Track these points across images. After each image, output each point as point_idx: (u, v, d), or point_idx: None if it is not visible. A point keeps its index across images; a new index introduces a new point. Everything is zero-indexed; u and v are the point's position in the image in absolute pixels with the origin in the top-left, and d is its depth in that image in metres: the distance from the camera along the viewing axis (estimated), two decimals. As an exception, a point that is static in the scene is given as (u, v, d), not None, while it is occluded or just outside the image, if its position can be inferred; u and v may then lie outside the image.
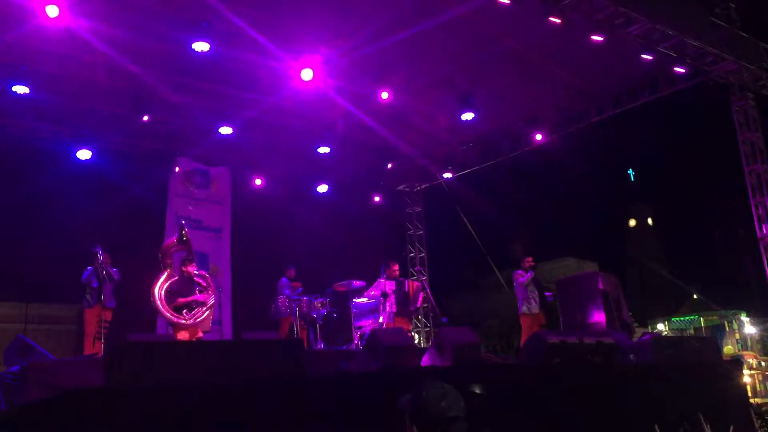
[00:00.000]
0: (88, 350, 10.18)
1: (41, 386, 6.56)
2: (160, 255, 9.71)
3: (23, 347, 8.00)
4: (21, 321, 11.13)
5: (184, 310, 9.23)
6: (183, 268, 9.55)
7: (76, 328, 11.52)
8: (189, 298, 9.29)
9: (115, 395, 4.70)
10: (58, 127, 12.25)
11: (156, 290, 9.19)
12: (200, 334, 9.38)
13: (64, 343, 11.49)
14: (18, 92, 10.70)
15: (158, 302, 9.14)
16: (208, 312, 9.41)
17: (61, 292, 11.64)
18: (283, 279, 12.44)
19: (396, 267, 11.97)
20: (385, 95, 12.00)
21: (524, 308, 11.80)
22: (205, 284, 9.59)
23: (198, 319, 9.25)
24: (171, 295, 9.23)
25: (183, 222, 10.21)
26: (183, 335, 9.07)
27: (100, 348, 9.60)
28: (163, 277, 9.37)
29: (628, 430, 6.79)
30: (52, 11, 8.79)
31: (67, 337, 11.64)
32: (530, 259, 12.12)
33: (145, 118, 11.59)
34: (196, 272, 9.61)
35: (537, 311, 11.76)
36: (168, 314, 9.15)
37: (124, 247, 11.26)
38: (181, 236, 9.69)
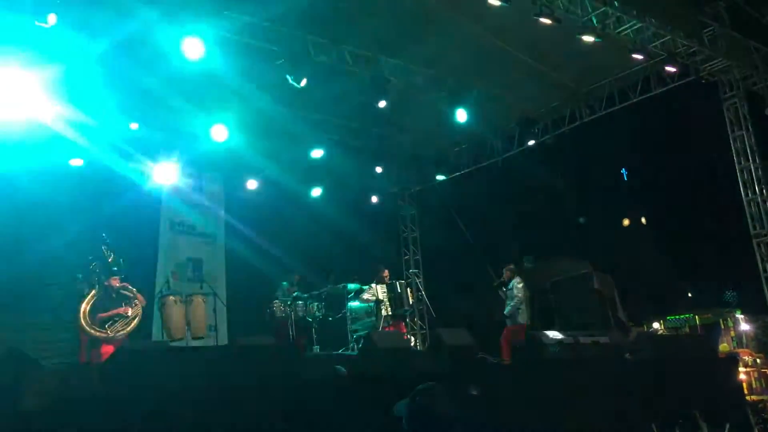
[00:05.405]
0: (83, 358, 10.13)
1: (37, 395, 6.53)
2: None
3: (18, 356, 7.95)
4: (16, 329, 11.06)
5: (107, 324, 9.21)
6: (105, 283, 9.51)
7: (71, 336, 11.46)
8: (110, 312, 9.27)
9: (111, 402, 4.69)
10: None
11: (81, 307, 9.22)
12: None
13: (60, 351, 11.42)
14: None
15: (81, 319, 9.17)
16: (132, 325, 9.37)
17: (56, 300, 11.58)
18: (283, 284, 12.41)
19: (386, 272, 11.96)
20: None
21: (519, 318, 11.37)
22: (131, 296, 9.56)
23: (119, 333, 9.23)
24: (94, 310, 9.23)
25: (104, 236, 10.05)
26: (107, 349, 8.95)
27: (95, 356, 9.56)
28: (90, 294, 9.38)
29: (625, 428, 6.80)
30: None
31: (63, 345, 11.57)
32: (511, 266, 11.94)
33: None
34: (118, 285, 9.51)
35: (529, 322, 11.43)
36: (90, 329, 9.12)
37: (117, 255, 11.19)
38: (103, 253, 9.65)
